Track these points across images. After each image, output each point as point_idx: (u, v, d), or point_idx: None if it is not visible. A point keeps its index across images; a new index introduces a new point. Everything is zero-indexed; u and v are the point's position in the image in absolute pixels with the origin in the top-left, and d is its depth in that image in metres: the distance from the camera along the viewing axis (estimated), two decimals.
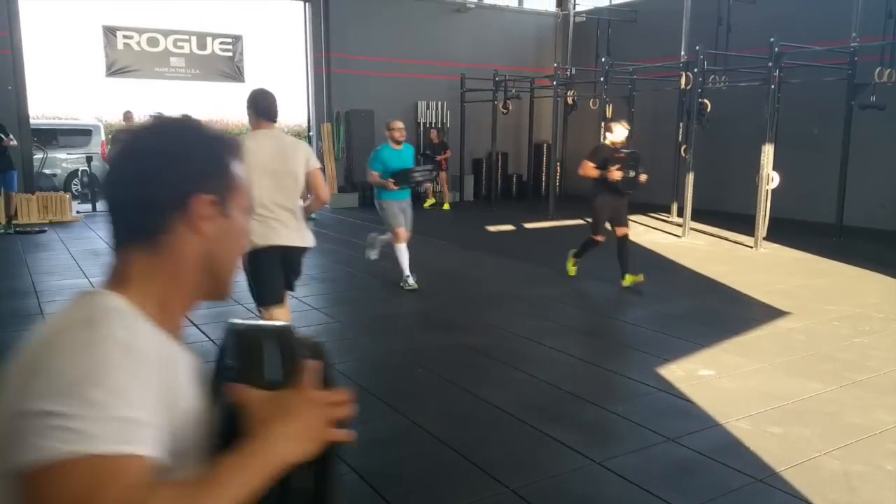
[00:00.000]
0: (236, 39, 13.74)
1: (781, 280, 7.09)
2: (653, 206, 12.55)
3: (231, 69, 13.75)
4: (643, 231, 10.60)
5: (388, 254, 6.76)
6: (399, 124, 6.50)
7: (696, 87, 9.96)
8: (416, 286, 6.44)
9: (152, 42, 13.01)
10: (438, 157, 12.98)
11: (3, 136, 9.66)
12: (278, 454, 0.80)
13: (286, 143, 3.85)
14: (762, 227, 8.94)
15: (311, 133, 14.62)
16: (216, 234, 0.89)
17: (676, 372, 4.34)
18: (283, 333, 0.93)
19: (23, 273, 7.27)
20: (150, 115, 0.93)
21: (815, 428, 3.52)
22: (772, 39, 8.86)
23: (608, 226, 6.74)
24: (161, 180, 0.86)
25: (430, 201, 13.48)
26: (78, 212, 11.85)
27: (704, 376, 4.28)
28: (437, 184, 13.08)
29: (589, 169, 6.46)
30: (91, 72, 13.55)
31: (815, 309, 5.90)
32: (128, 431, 0.71)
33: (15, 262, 7.90)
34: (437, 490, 2.93)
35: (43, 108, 16.10)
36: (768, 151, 8.87)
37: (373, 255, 7.00)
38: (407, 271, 6.47)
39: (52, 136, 14.27)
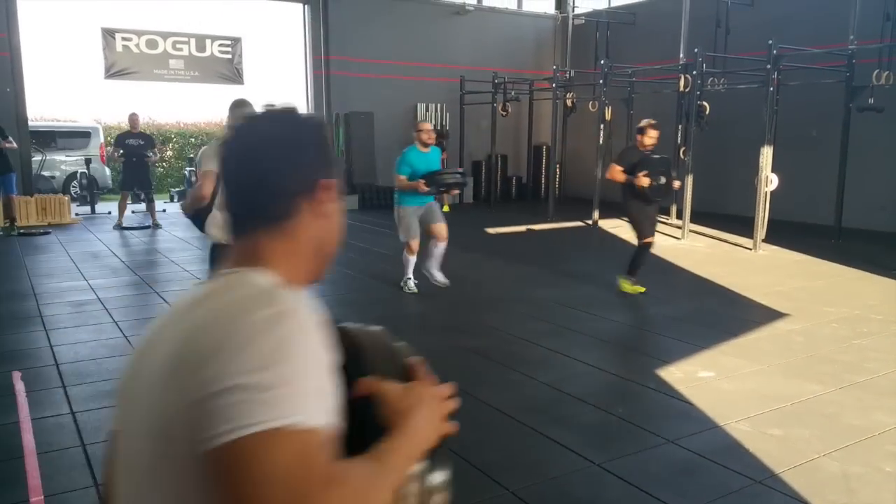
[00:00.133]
0: (235, 42, 13.75)
1: (780, 282, 7.10)
2: None
3: (230, 71, 13.76)
4: None
5: (390, 255, 6.75)
6: (428, 126, 6.28)
7: (694, 90, 9.98)
8: (416, 290, 6.44)
9: (151, 44, 13.01)
10: None
11: (1, 139, 9.66)
12: (420, 443, 0.85)
13: None
14: (761, 229, 8.95)
15: None
16: (331, 218, 0.95)
17: (676, 374, 4.34)
18: (384, 335, 0.97)
19: (21, 275, 7.26)
20: (263, 106, 0.96)
21: (815, 429, 3.52)
22: (770, 42, 8.88)
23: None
24: (292, 168, 0.91)
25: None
26: (77, 214, 11.84)
27: (704, 378, 4.28)
28: None
29: (616, 173, 6.14)
30: (90, 74, 13.50)
31: (814, 311, 5.91)
32: (319, 404, 0.74)
33: (14, 265, 7.89)
34: None
35: (41, 110, 16.05)
36: (767, 153, 8.88)
37: (439, 277, 6.41)
38: (410, 274, 6.46)
39: (50, 139, 14.23)
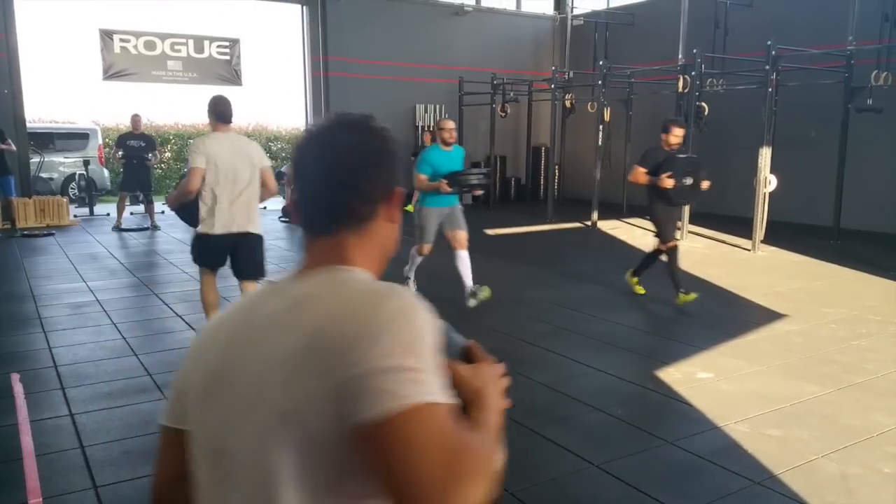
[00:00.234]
0: (234, 43, 13.74)
1: (779, 283, 7.10)
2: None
3: (228, 72, 13.75)
4: (641, 234, 10.61)
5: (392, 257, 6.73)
6: (450, 124, 6.00)
7: (693, 91, 9.98)
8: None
9: (149, 45, 13.00)
10: None
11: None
12: (498, 417, 0.96)
13: (241, 142, 4.44)
14: (760, 230, 8.96)
15: None
16: (396, 223, 1.05)
17: (674, 375, 4.34)
18: (444, 324, 1.03)
19: (20, 277, 7.25)
20: (335, 113, 1.03)
21: (813, 430, 3.52)
22: (769, 43, 8.89)
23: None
24: (378, 175, 1.00)
25: None
26: (75, 216, 11.84)
27: (703, 379, 4.28)
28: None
29: (639, 175, 5.91)
30: (88, 75, 13.50)
31: (813, 312, 5.91)
32: (442, 382, 0.84)
33: (12, 266, 7.88)
34: None
35: (40, 111, 16.06)
36: (766, 154, 8.89)
37: (475, 294, 6.04)
38: (411, 275, 6.36)
39: (48, 140, 14.21)
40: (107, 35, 12.71)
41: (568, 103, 13.21)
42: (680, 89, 10.34)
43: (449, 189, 5.70)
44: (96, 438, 3.40)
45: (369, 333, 0.82)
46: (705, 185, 5.99)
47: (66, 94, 21.03)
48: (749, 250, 8.92)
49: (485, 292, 6.08)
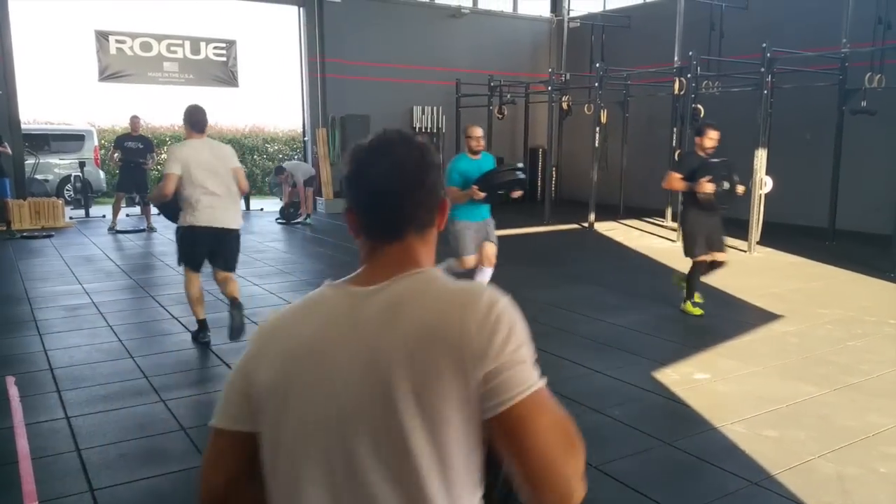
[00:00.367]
0: (230, 44, 13.73)
1: (775, 284, 7.12)
2: (647, 210, 12.59)
3: (225, 74, 13.74)
4: (638, 236, 10.64)
5: None
6: (478, 131, 5.50)
7: (689, 93, 10.01)
8: None
9: (145, 47, 12.98)
10: None
11: None
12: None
13: (215, 146, 4.82)
14: (756, 232, 8.98)
15: (305, 138, 14.59)
16: (439, 229, 1.16)
17: (671, 376, 4.35)
18: None
19: (15, 279, 7.22)
20: (384, 129, 1.12)
21: (810, 431, 3.53)
22: (764, 45, 8.92)
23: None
24: (434, 185, 1.11)
25: None
26: (71, 217, 11.80)
27: (699, 380, 4.29)
28: None
29: (674, 181, 5.64)
30: (83, 76, 13.48)
31: (809, 312, 5.93)
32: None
33: (7, 269, 7.85)
34: None
35: (35, 113, 16.02)
36: (761, 156, 8.92)
37: None
38: None
39: (44, 142, 14.16)
40: (103, 36, 12.69)
41: (565, 105, 13.23)
42: (676, 91, 10.38)
43: (481, 195, 5.22)
44: (92, 441, 3.39)
45: (493, 330, 0.95)
46: (741, 189, 5.73)
47: (61, 95, 20.98)
48: (745, 251, 8.95)
49: None
